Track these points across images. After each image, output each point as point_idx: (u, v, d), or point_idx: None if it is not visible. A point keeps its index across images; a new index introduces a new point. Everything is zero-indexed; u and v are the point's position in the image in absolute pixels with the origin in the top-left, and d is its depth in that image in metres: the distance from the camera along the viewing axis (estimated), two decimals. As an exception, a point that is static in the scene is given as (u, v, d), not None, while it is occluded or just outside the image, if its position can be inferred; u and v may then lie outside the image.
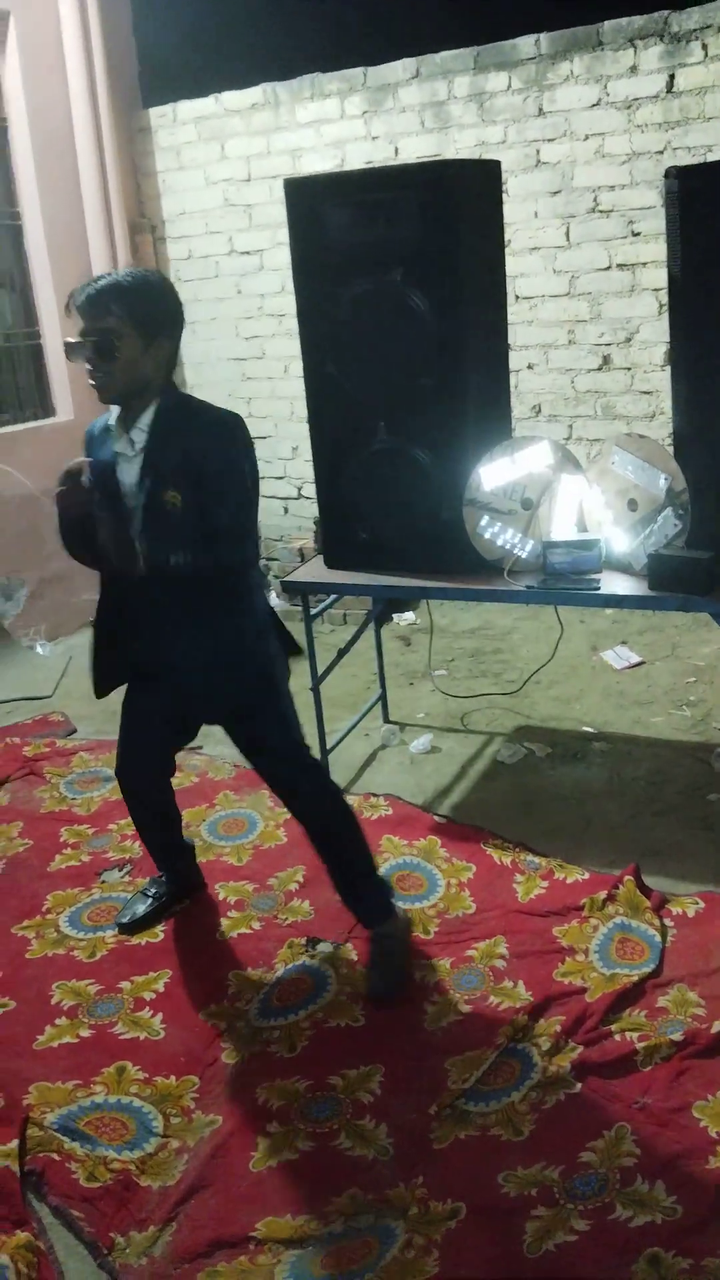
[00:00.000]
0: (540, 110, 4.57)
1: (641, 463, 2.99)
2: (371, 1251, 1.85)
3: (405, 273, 3.05)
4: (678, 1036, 2.22)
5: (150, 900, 2.83)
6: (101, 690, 2.62)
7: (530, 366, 4.85)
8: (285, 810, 3.22)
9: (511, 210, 4.18)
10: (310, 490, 5.37)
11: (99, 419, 2.44)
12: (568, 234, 4.64)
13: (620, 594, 2.96)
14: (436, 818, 3.23)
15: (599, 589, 2.97)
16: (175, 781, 3.54)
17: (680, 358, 2.95)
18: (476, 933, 2.66)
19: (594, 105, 4.46)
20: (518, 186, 4.63)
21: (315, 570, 3.40)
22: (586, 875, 2.83)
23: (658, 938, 2.55)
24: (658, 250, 4.32)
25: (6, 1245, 1.84)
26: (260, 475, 2.40)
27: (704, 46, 4.19)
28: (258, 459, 2.38)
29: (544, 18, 4.50)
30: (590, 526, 3.12)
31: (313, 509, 5.31)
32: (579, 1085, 2.15)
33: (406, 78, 4.80)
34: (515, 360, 4.23)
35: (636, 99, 4.37)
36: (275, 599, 4.57)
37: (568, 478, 3.12)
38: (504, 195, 3.41)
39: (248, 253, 5.40)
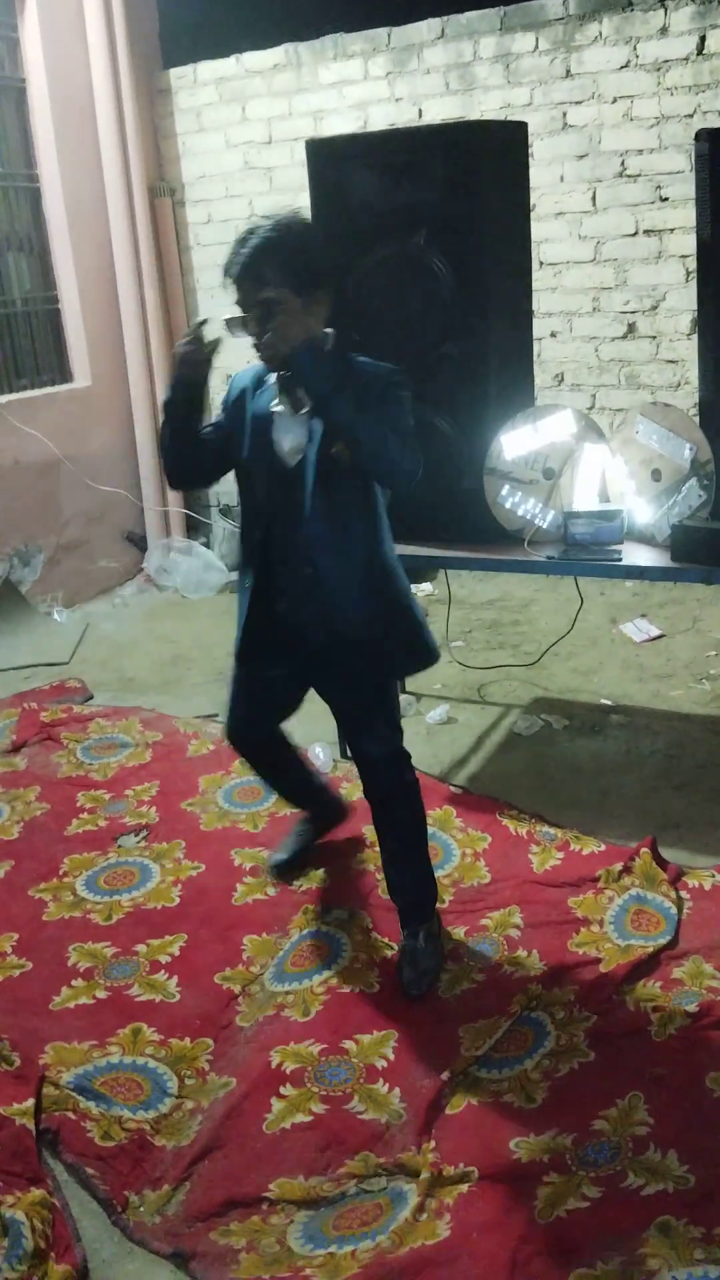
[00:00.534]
0: (568, 72, 4.48)
1: (666, 432, 2.95)
2: (383, 1213, 1.86)
3: (428, 237, 3.01)
4: (692, 1008, 2.22)
5: (297, 839, 2.88)
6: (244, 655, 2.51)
7: (553, 334, 4.79)
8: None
9: (537, 174, 4.11)
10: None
11: (247, 370, 2.37)
12: (594, 199, 4.57)
13: (642, 565, 2.94)
14: (452, 788, 3.23)
15: (620, 560, 2.94)
16: (192, 748, 3.59)
17: (708, 325, 2.90)
18: (491, 902, 2.66)
19: (623, 67, 4.37)
20: (544, 150, 4.55)
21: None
22: (603, 847, 2.83)
23: (673, 910, 2.54)
24: (685, 216, 4.24)
25: (22, 1202, 1.86)
26: None
27: (737, 6, 4.09)
28: None
29: (573, -24, 4.40)
30: (613, 497, 3.09)
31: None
32: (592, 1054, 2.15)
33: (431, 38, 4.71)
34: (538, 328, 4.17)
35: (666, 61, 4.28)
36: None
37: (590, 447, 3.08)
38: (529, 159, 3.35)
39: (269, 217, 5.32)
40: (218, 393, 2.40)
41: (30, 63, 5.00)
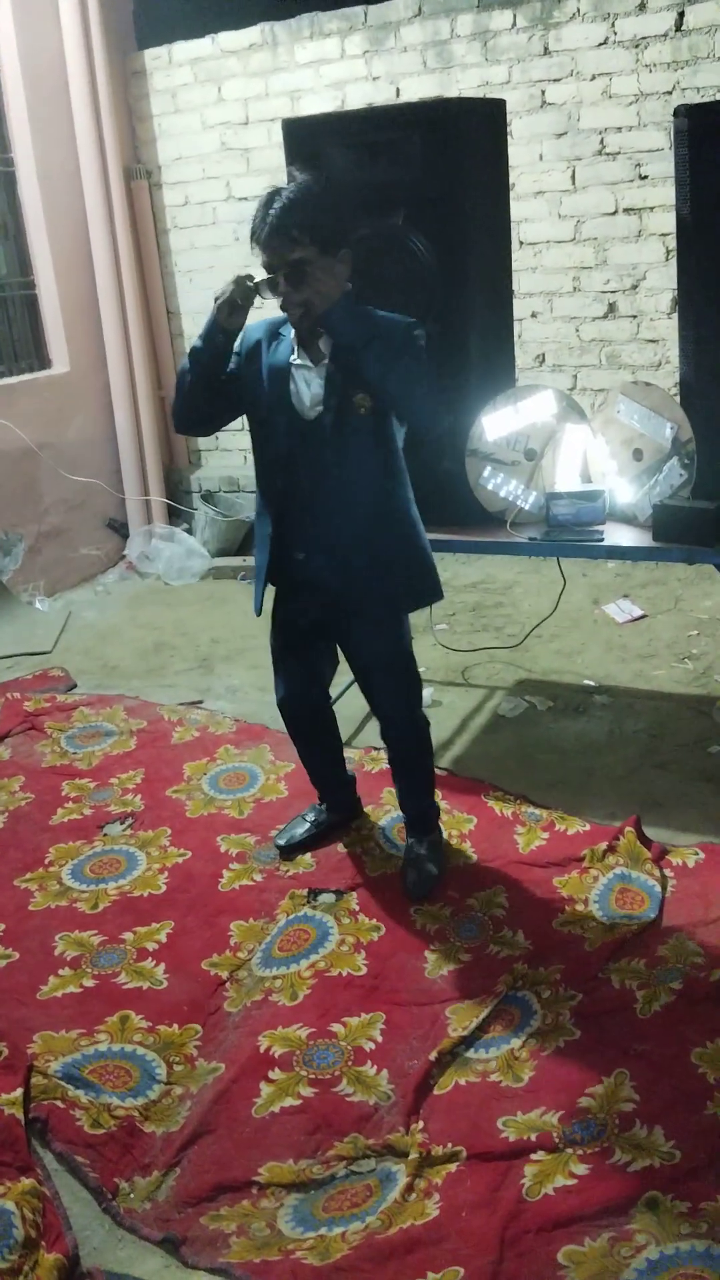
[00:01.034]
0: (545, 49, 4.44)
1: (647, 411, 2.94)
2: (372, 1195, 1.87)
3: (407, 216, 2.99)
4: (677, 985, 2.23)
5: (309, 825, 2.88)
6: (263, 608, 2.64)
7: (534, 314, 4.77)
8: (285, 764, 3.24)
9: (516, 153, 4.07)
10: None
11: (259, 322, 2.41)
12: (573, 177, 4.54)
13: (624, 545, 2.94)
14: (438, 770, 3.22)
15: (603, 540, 2.94)
16: (176, 736, 3.58)
17: (688, 304, 2.90)
18: (477, 883, 2.66)
19: (601, 44, 4.33)
20: (522, 128, 4.52)
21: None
22: (587, 827, 2.84)
23: (658, 888, 2.55)
24: (665, 194, 4.23)
25: (12, 1191, 1.86)
26: None
27: (715, -19, 4.06)
28: None
29: (550, -49, 4.37)
30: (594, 477, 3.09)
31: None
32: (578, 1032, 2.16)
33: (408, 16, 4.66)
34: (519, 308, 4.15)
35: (644, 38, 4.25)
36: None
37: (572, 427, 3.08)
38: (508, 137, 3.33)
39: (246, 198, 5.28)
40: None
41: (3, 45, 4.92)
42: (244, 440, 2.79)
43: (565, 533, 2.98)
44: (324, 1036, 2.24)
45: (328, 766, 2.91)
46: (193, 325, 5.58)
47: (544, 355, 4.83)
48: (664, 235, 4.38)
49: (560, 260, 4.68)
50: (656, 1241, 1.69)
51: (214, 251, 5.43)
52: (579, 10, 4.33)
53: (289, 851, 2.83)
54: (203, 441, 5.73)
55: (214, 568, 5.26)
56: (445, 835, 2.82)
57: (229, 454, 5.73)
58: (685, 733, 3.32)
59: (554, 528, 3.00)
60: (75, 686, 4.12)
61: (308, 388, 2.35)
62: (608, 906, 2.52)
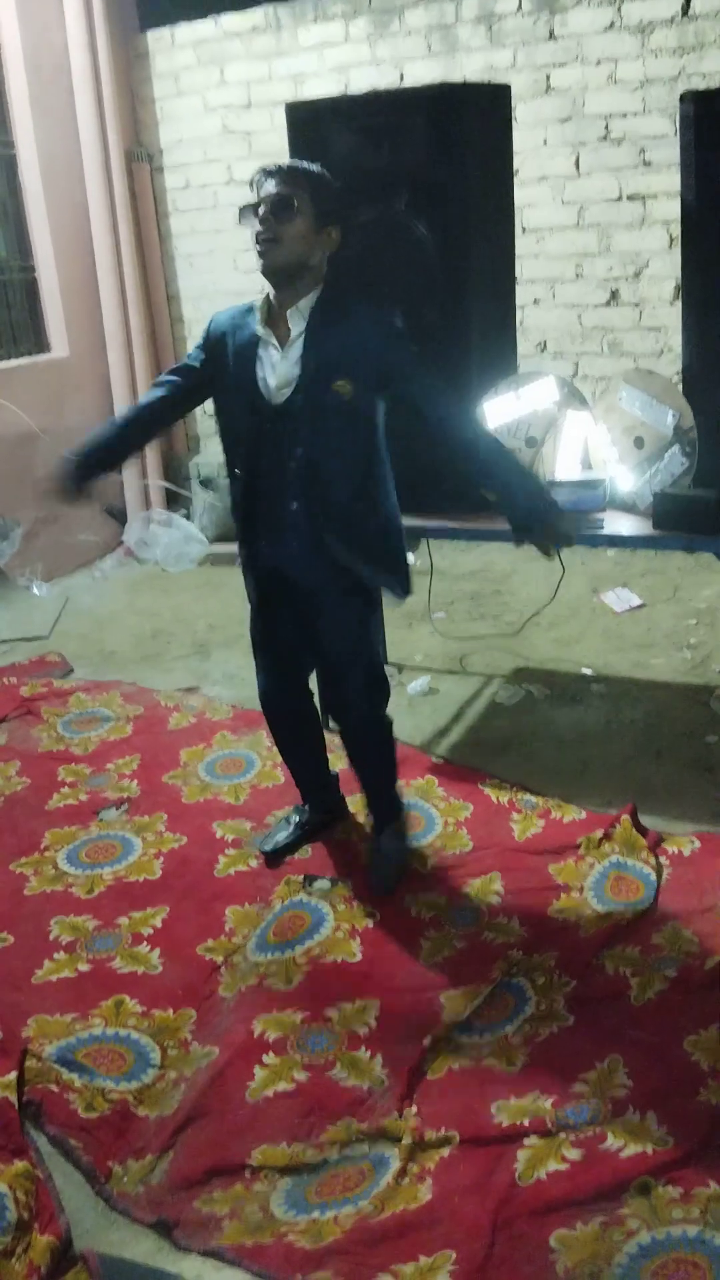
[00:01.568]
0: (551, 34, 4.41)
1: (649, 399, 2.93)
2: (365, 1179, 1.87)
3: (410, 201, 2.97)
4: (671, 972, 2.23)
5: (293, 829, 2.82)
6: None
7: (536, 301, 4.75)
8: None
9: (520, 138, 4.05)
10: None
11: (224, 312, 2.40)
12: (577, 163, 4.51)
13: (624, 534, 2.93)
14: (434, 758, 3.23)
15: (602, 529, 2.93)
16: (173, 721, 3.57)
17: (691, 292, 2.88)
18: (473, 870, 2.66)
19: (607, 29, 4.30)
20: (527, 113, 4.49)
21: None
22: (583, 815, 2.84)
23: (653, 876, 2.55)
24: (669, 181, 4.20)
25: (5, 1174, 1.86)
26: None
27: (722, -34, 4.03)
28: None
29: (556, -66, 4.33)
30: (595, 465, 3.08)
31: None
32: (572, 1019, 2.16)
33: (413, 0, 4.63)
34: (521, 294, 4.13)
35: (651, 23, 4.22)
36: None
37: (573, 415, 3.06)
38: (512, 122, 3.31)
39: (248, 182, 5.25)
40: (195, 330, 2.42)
41: (4, 27, 4.89)
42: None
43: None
44: (318, 1021, 2.23)
45: (309, 763, 2.82)
46: (193, 310, 5.56)
47: (545, 342, 4.81)
48: (667, 222, 4.36)
49: (563, 247, 4.65)
50: (648, 1226, 1.69)
51: (215, 235, 5.40)
52: (584, -6, 4.29)
53: (273, 858, 2.76)
54: (201, 427, 5.71)
55: (212, 554, 5.25)
56: (443, 826, 2.81)
57: (228, 440, 5.71)
58: (682, 722, 3.32)
59: (554, 515, 2.98)
60: (72, 672, 4.11)
61: (273, 370, 2.28)
62: (603, 894, 2.52)
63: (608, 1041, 2.09)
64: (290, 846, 2.80)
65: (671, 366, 4.32)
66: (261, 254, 2.21)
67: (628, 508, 3.00)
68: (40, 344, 5.34)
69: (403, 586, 2.49)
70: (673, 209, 3.86)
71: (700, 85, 4.14)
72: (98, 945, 2.51)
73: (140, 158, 5.40)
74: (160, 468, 5.64)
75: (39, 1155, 1.95)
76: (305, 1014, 2.25)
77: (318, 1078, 2.10)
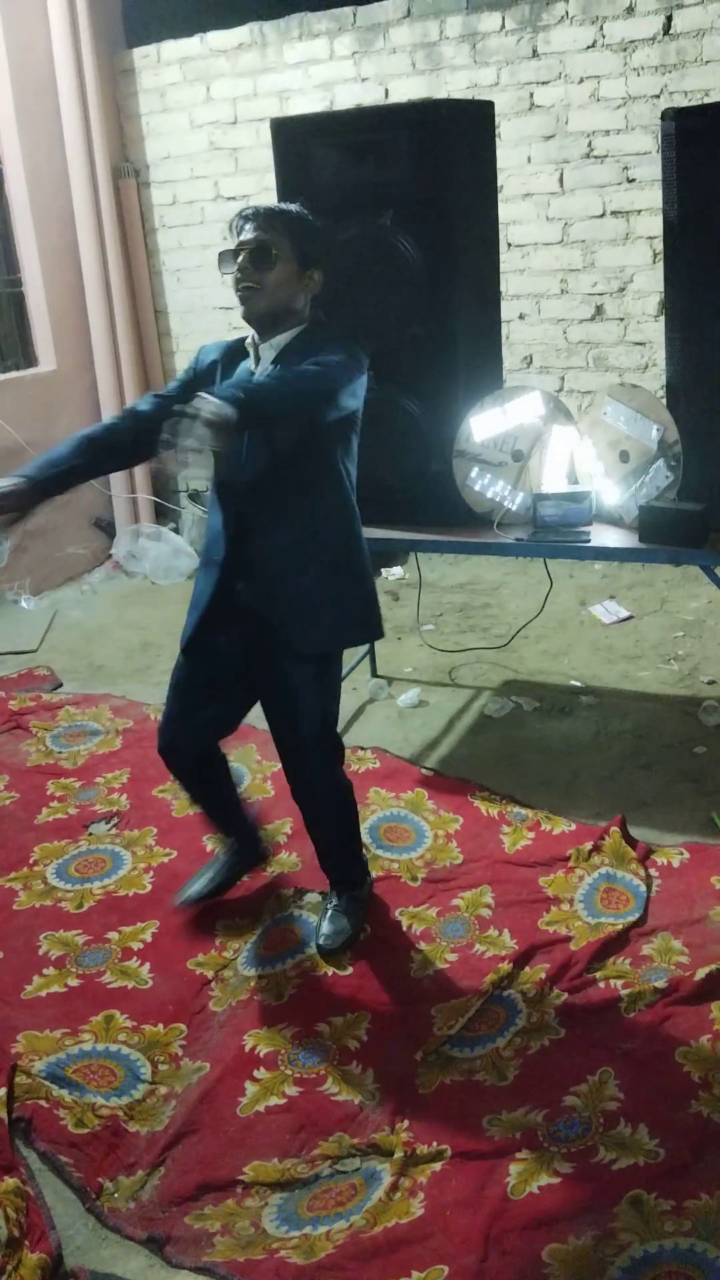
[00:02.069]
0: (534, 52, 4.46)
1: (634, 413, 2.96)
2: (357, 1194, 1.87)
3: (395, 217, 2.99)
4: (661, 984, 2.24)
5: (210, 876, 2.67)
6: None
7: (521, 316, 4.78)
8: (272, 764, 3.23)
9: (504, 155, 4.09)
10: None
11: (214, 344, 2.37)
12: (561, 180, 4.55)
13: (611, 546, 2.95)
14: (424, 770, 3.23)
15: (589, 542, 2.95)
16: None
17: (675, 307, 2.91)
18: (463, 882, 2.67)
19: (589, 47, 4.35)
20: (510, 131, 4.53)
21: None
22: (573, 826, 2.84)
23: (643, 887, 2.56)
24: (653, 197, 4.24)
25: (-5, 1189, 1.85)
26: None
27: (702, -14, 4.08)
28: None
29: (539, -46, 4.38)
30: (581, 478, 3.10)
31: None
32: (563, 1031, 2.17)
33: (397, 17, 4.67)
34: (506, 310, 4.16)
35: (633, 41, 4.26)
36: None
37: (559, 429, 3.09)
38: (496, 139, 3.33)
39: (234, 198, 5.27)
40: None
41: (-10, 42, 4.91)
42: (232, 440, 2.78)
43: (552, 534, 2.99)
44: (309, 1036, 2.23)
45: (224, 808, 2.63)
46: (180, 325, 5.58)
47: (531, 357, 4.84)
48: (651, 238, 4.40)
49: (548, 262, 4.69)
50: (640, 1239, 1.70)
51: (201, 251, 5.42)
52: (568, 13, 4.34)
53: (191, 905, 2.61)
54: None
55: (201, 567, 5.25)
56: (433, 839, 2.81)
57: (216, 454, 5.71)
58: (670, 733, 3.34)
59: (541, 529, 3.00)
60: (61, 685, 4.10)
61: None
62: (593, 906, 2.52)
63: (599, 1054, 2.10)
64: (218, 889, 2.65)
65: (656, 381, 4.35)
66: (242, 300, 2.19)
67: (614, 521, 3.02)
68: (28, 358, 5.35)
69: (364, 632, 2.43)
70: (656, 225, 3.90)
71: (682, 103, 4.19)
72: (87, 960, 2.50)
73: (127, 173, 5.43)
74: (149, 481, 5.64)
75: (29, 1172, 1.94)
76: (296, 1029, 2.25)
77: (309, 1092, 2.09)
